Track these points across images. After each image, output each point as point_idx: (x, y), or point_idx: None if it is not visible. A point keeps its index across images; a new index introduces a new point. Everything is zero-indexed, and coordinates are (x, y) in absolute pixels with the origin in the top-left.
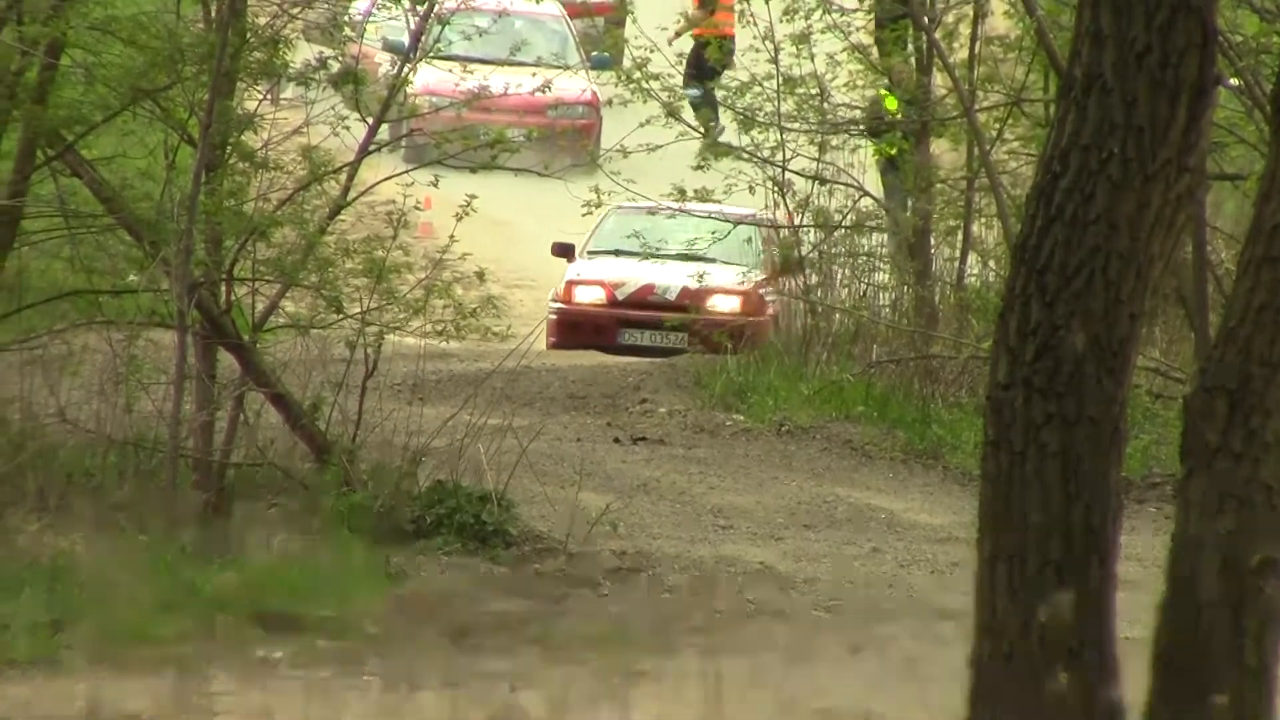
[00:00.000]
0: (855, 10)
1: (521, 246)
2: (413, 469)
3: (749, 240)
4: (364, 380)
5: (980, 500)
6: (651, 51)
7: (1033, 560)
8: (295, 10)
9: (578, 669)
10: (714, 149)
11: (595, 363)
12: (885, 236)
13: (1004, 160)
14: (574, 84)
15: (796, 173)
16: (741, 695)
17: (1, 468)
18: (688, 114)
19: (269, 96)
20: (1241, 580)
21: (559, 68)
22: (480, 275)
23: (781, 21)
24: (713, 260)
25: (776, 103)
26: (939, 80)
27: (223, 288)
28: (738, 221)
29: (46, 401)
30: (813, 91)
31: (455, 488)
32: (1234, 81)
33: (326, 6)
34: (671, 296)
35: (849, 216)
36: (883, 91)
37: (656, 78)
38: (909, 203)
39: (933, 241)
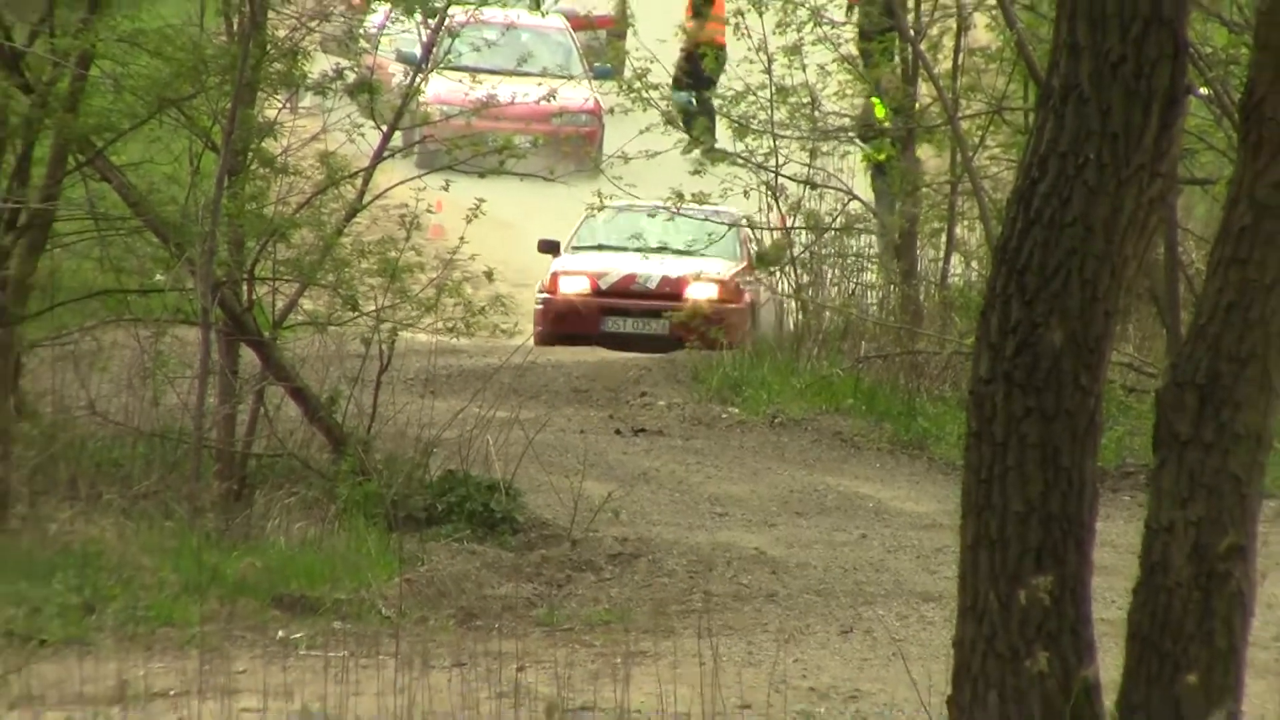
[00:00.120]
0: (844, 23)
1: (528, 248)
2: (424, 459)
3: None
4: (378, 375)
5: (963, 489)
6: (651, 63)
7: (1013, 546)
8: (313, 23)
9: (581, 649)
10: (710, 155)
11: (598, 358)
12: (873, 238)
13: (986, 166)
14: (577, 93)
15: (789, 177)
16: (737, 674)
17: (34, 458)
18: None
19: (288, 105)
20: (1211, 565)
21: (563, 78)
22: (489, 275)
23: (774, 34)
24: (691, 253)
25: (770, 111)
26: (924, 90)
27: (244, 287)
28: (727, 222)
29: (77, 395)
30: (804, 100)
31: (465, 477)
32: (1204, 91)
33: (343, 20)
34: (652, 285)
35: (839, 219)
36: (874, 100)
37: (656, 87)
38: (896, 206)
39: (918, 243)
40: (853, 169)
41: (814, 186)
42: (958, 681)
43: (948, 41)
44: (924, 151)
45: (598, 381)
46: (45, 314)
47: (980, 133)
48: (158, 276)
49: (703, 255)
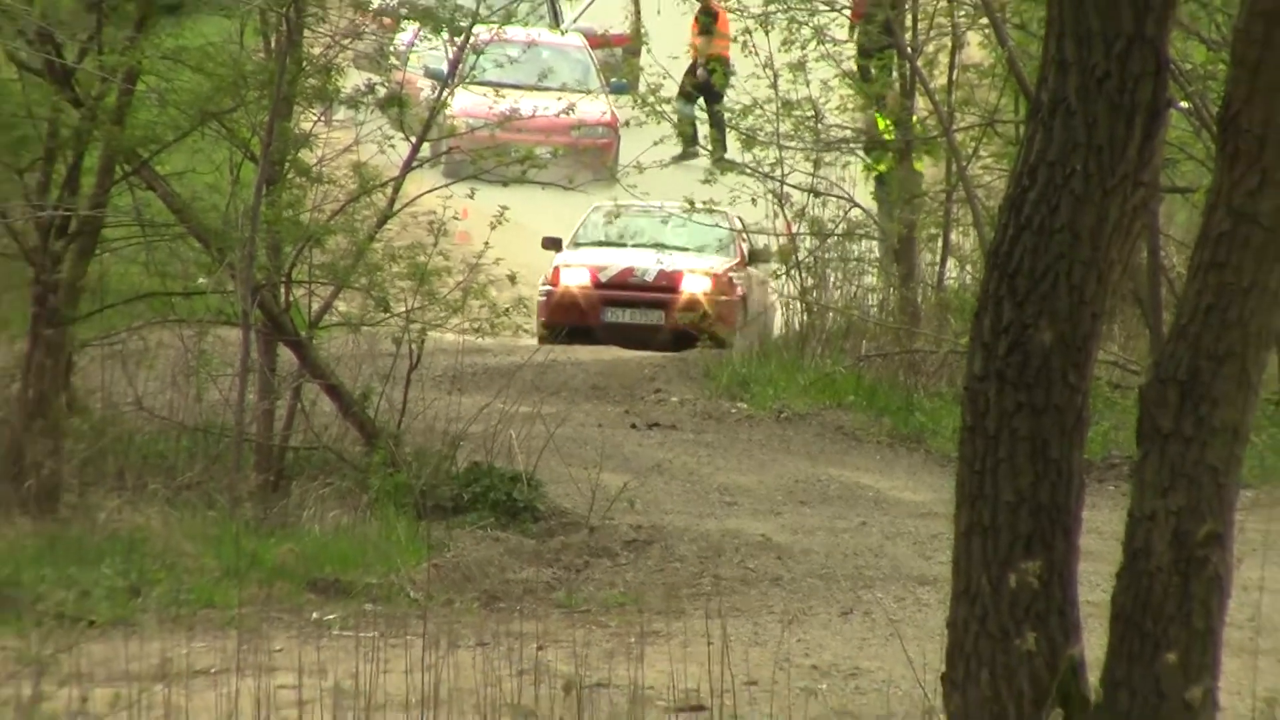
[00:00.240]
0: (846, 41)
1: (549, 253)
2: (451, 452)
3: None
4: (408, 373)
5: (958, 479)
6: (664, 78)
7: (1004, 533)
8: (346, 41)
9: (597, 629)
10: (720, 164)
11: (614, 357)
12: (874, 243)
13: (979, 175)
14: (595, 107)
15: (794, 186)
16: (744, 653)
17: (84, 451)
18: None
19: (323, 118)
20: (1190, 551)
21: (581, 92)
22: (512, 278)
23: (780, 51)
24: (687, 249)
25: (776, 123)
26: (921, 104)
27: (282, 289)
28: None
29: (125, 391)
30: (808, 114)
31: (489, 468)
32: (1184, 104)
33: (374, 38)
34: (649, 278)
35: (841, 225)
36: (878, 115)
37: (668, 102)
38: (895, 213)
39: (916, 248)
40: (854, 178)
41: (817, 194)
42: (951, 660)
43: (943, 59)
44: (921, 164)
45: (614, 379)
46: (95, 315)
47: (974, 144)
48: (200, 280)
49: (698, 252)
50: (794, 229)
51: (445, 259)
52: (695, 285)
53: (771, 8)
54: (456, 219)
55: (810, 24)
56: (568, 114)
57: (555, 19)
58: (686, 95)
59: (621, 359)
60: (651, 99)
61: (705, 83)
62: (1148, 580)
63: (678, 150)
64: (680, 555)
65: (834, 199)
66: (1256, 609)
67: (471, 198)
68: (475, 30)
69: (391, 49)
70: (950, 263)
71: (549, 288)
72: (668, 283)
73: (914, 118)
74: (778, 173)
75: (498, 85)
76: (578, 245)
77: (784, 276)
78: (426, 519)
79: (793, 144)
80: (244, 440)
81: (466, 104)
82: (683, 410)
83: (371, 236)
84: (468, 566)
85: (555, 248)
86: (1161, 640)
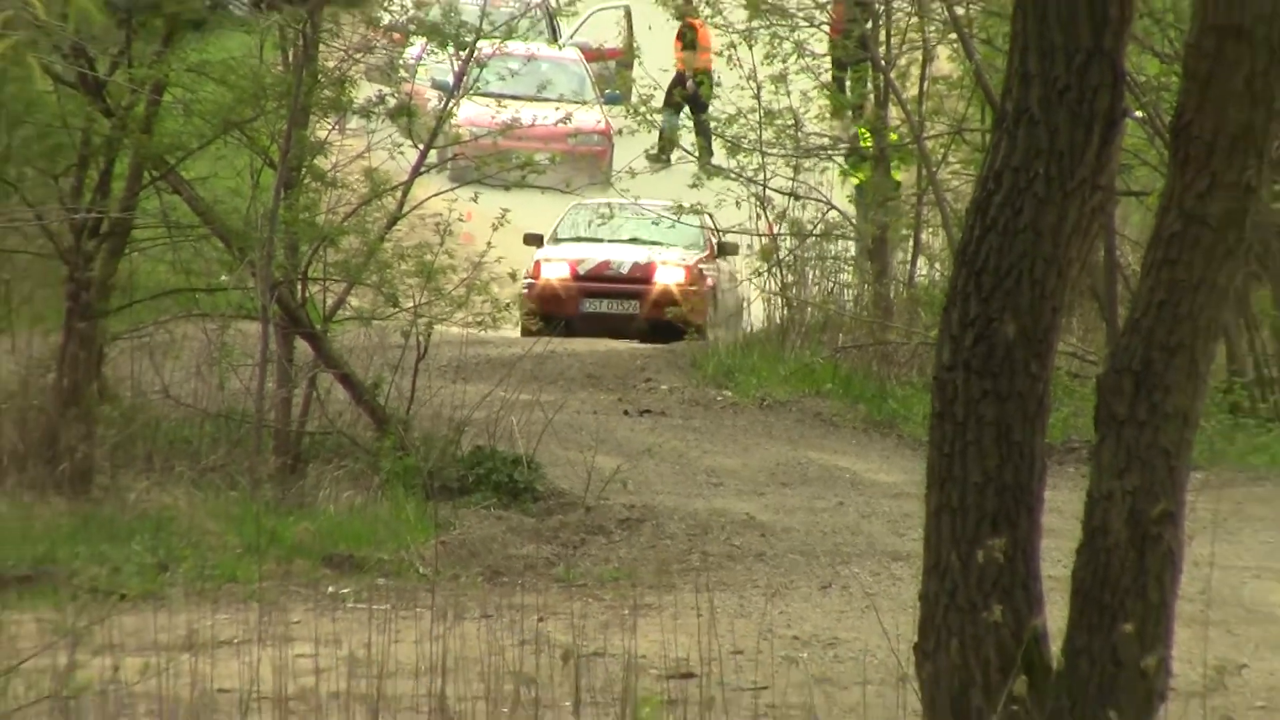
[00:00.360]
0: (825, 55)
1: (531, 249)
2: (457, 436)
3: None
4: (416, 363)
5: (928, 462)
6: (655, 90)
7: (972, 513)
8: (359, 55)
9: (593, 602)
10: (706, 170)
11: (607, 348)
12: (850, 243)
13: (948, 180)
14: (590, 116)
15: (775, 190)
16: (730, 624)
17: (115, 436)
18: (681, 138)
19: (337, 127)
20: (1145, 529)
21: (577, 103)
22: (513, 276)
23: (763, 64)
24: (660, 243)
25: (759, 131)
26: (894, 113)
27: (299, 286)
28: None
29: (153, 381)
30: (789, 123)
31: (492, 452)
32: (1139, 114)
33: (385, 52)
34: (625, 270)
35: (819, 226)
36: (861, 129)
37: (659, 112)
38: (869, 215)
39: (889, 247)
40: (832, 183)
41: (797, 198)
42: (923, 631)
43: (914, 71)
44: (899, 173)
45: (608, 369)
46: (124, 310)
47: (943, 151)
48: (223, 277)
49: (671, 246)
50: (775, 230)
51: (450, 258)
52: (668, 276)
53: (755, 24)
54: (461, 221)
55: (791, 39)
56: (565, 123)
57: (553, 34)
58: (675, 106)
59: (615, 350)
60: (643, 109)
61: (694, 94)
62: (1105, 556)
63: (664, 155)
64: (670, 533)
65: (813, 202)
66: (1206, 583)
67: (475, 201)
68: (479, 45)
69: (401, 62)
70: (921, 261)
71: (531, 281)
72: (642, 274)
73: (888, 127)
74: (760, 177)
75: (500, 96)
76: (558, 241)
77: (766, 274)
78: (434, 499)
79: (774, 151)
80: (263, 426)
81: (471, 113)
82: (672, 398)
83: (382, 237)
84: (472, 543)
85: (537, 244)
86: (1119, 612)
